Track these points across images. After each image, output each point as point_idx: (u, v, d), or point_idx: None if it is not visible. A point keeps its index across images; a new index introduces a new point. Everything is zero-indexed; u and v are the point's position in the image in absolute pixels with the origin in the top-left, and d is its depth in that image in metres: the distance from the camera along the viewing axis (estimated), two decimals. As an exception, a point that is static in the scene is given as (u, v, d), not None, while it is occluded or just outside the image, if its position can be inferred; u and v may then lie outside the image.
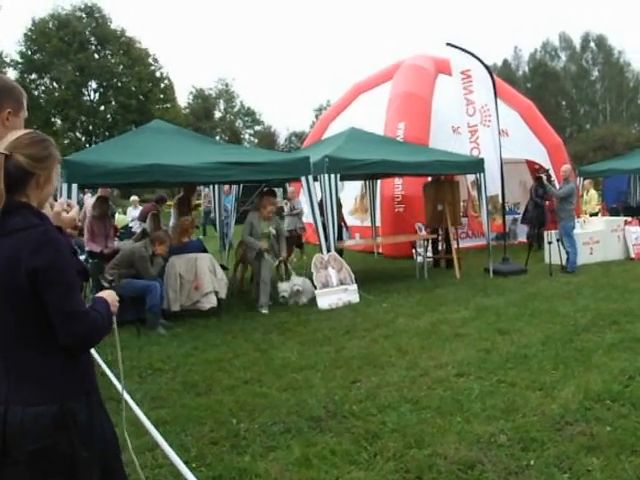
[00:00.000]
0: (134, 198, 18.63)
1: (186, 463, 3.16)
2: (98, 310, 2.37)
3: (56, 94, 48.97)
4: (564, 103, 67.09)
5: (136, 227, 14.39)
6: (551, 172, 15.56)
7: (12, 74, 45.21)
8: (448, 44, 13.15)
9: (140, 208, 16.06)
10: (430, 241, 13.34)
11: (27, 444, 2.20)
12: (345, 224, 14.42)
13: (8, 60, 47.91)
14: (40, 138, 2.36)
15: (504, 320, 8.20)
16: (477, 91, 12.82)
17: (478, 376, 5.92)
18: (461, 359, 6.49)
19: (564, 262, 12.08)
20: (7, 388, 2.26)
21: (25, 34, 47.73)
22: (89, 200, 13.24)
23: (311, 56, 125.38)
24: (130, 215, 17.62)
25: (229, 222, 13.38)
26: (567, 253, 12.03)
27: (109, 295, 2.53)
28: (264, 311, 9.42)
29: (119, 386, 2.53)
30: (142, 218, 13.20)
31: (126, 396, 2.52)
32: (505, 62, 69.33)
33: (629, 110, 65.55)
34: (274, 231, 10.18)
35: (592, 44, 66.56)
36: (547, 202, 14.94)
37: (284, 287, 9.97)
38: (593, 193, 18.15)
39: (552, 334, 7.34)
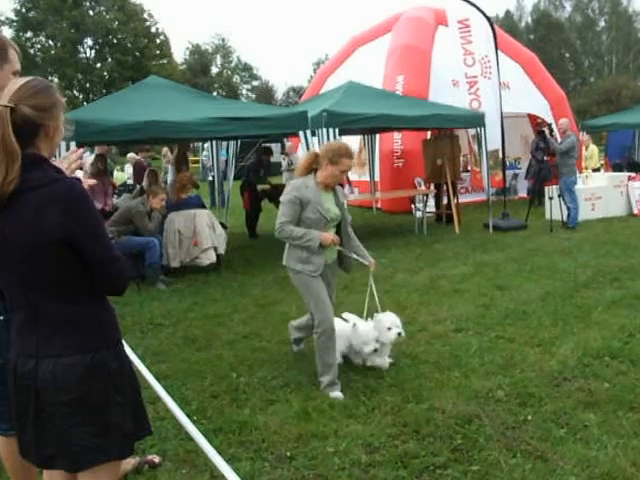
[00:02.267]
0: (131, 155, 18.52)
1: (187, 416, 3.17)
2: None
3: (52, 52, 48.57)
4: (568, 55, 66.05)
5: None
6: (553, 127, 15.36)
7: (7, 32, 44.71)
8: None
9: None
10: (432, 196, 13.29)
11: (61, 395, 2.19)
12: (348, 179, 14.26)
13: (3, 18, 47.48)
14: (44, 85, 2.23)
15: (503, 276, 8.21)
16: (476, 42, 12.54)
17: (476, 331, 5.95)
18: (460, 314, 6.52)
19: (565, 218, 12.01)
20: (36, 341, 2.24)
21: (19, -9, 46.98)
22: (87, 159, 13.13)
23: (309, 9, 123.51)
24: (128, 172, 17.53)
25: (228, 177, 13.24)
26: (568, 209, 11.93)
27: None
28: (335, 394, 4.61)
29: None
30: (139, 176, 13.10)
31: (128, 350, 2.52)
32: (507, 13, 68.37)
33: (636, 62, 64.37)
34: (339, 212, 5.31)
35: (599, -8, 65.35)
36: (545, 157, 14.75)
37: (370, 333, 5.14)
38: (593, 148, 17.71)
39: (552, 290, 7.34)
